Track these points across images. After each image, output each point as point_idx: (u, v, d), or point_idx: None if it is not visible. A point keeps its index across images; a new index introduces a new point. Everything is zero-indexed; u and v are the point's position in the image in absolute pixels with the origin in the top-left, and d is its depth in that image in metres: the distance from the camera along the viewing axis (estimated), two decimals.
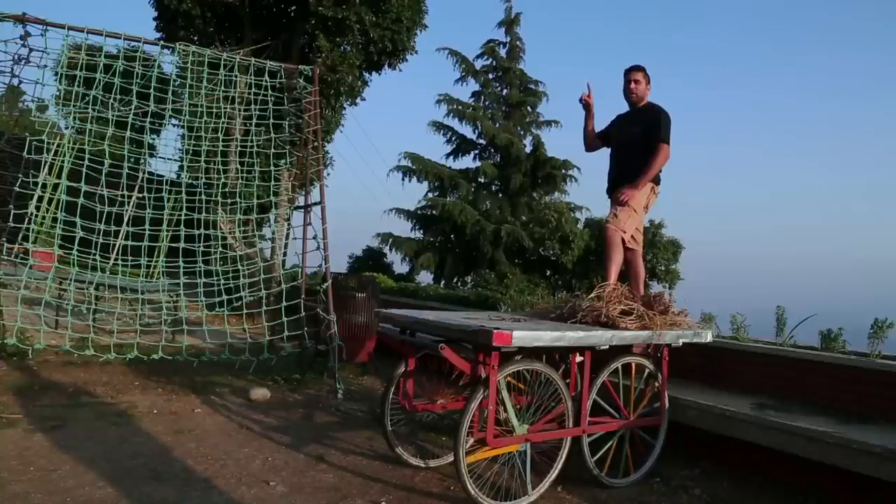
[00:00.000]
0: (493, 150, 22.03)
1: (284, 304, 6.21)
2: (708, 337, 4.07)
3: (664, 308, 3.88)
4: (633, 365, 3.87)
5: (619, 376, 3.85)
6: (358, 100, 13.14)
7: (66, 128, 7.20)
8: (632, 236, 4.35)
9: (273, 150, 7.28)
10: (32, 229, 6.08)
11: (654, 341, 3.72)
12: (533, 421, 3.39)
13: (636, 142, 4.35)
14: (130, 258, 6.66)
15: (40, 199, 6.11)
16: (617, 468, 3.80)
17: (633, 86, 4.34)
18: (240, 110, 7.17)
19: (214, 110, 6.88)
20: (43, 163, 6.00)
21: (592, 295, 3.92)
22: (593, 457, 3.64)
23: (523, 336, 3.01)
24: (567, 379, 3.63)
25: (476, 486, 3.13)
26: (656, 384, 3.98)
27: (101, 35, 6.01)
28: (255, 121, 7.17)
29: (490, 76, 22.85)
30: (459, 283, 19.63)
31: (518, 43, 22.78)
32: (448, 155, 22.39)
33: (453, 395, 3.98)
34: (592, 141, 4.75)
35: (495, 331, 2.88)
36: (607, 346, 3.52)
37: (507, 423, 3.28)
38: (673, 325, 3.83)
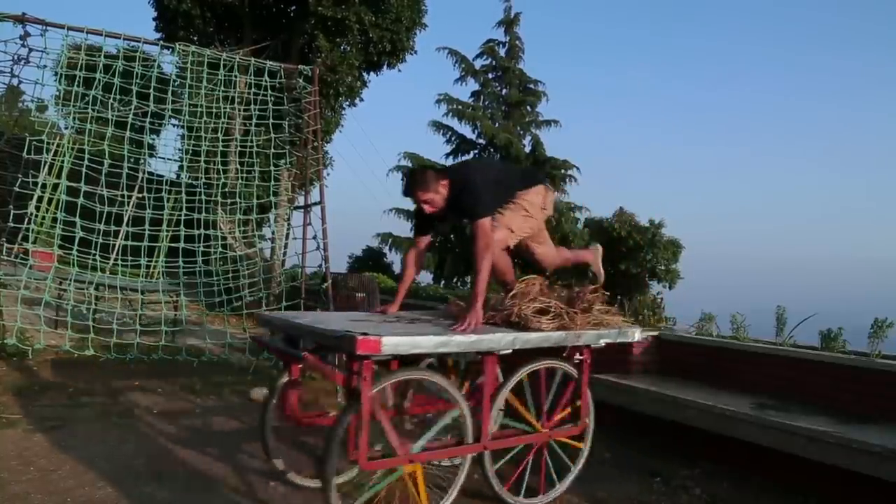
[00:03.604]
0: (492, 150, 22.02)
1: (284, 304, 6.22)
2: (636, 336, 3.65)
3: (587, 306, 3.46)
4: (550, 369, 3.47)
5: (540, 382, 3.44)
6: (357, 100, 13.15)
7: (66, 128, 7.20)
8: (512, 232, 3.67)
9: (273, 150, 7.29)
10: (32, 229, 6.08)
11: (568, 343, 3.30)
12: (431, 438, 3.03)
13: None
14: (130, 258, 6.66)
15: (40, 199, 6.11)
16: (536, 485, 3.45)
17: (427, 207, 3.42)
18: (239, 110, 7.17)
19: (214, 110, 6.89)
20: (43, 163, 6.00)
21: (513, 292, 3.45)
22: (514, 474, 3.31)
23: (397, 342, 2.62)
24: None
25: None
26: (577, 390, 3.56)
27: (101, 35, 6.01)
28: (254, 121, 7.17)
29: (489, 76, 22.85)
30: (459, 283, 19.64)
31: (517, 43, 22.78)
32: (448, 155, 22.38)
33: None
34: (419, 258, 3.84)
35: (359, 337, 2.51)
36: (510, 351, 3.07)
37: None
38: (597, 325, 3.41)
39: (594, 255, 4.35)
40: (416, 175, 3.50)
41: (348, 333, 2.58)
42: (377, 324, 3.11)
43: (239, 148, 7.70)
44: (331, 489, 2.63)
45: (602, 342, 3.46)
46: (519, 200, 3.63)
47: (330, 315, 3.86)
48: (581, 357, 3.56)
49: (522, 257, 4.07)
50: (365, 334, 2.54)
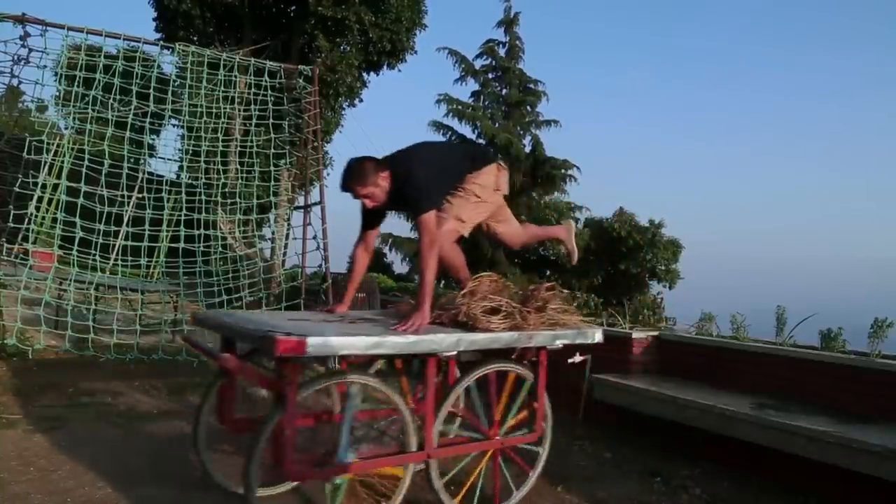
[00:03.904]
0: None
1: (284, 304, 6.21)
2: (596, 337, 3.37)
3: (541, 304, 3.20)
4: (502, 372, 3.26)
5: (492, 386, 3.23)
6: (357, 100, 13.16)
7: (66, 128, 7.21)
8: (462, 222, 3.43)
9: (273, 151, 7.29)
10: (32, 229, 6.08)
11: (520, 344, 3.07)
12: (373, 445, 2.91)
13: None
14: (130, 258, 6.66)
15: (40, 199, 6.11)
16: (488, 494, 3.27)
17: (367, 202, 3.19)
18: (239, 110, 7.18)
19: (214, 110, 6.89)
20: (43, 163, 6.00)
21: (465, 290, 3.20)
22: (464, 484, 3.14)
23: (323, 343, 2.44)
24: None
25: None
26: (533, 394, 3.34)
27: (101, 35, 6.01)
28: (254, 121, 7.17)
29: (489, 76, 22.84)
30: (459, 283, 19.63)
31: (517, 43, 22.78)
32: None
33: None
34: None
35: (280, 338, 2.33)
36: (454, 353, 2.89)
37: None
38: (554, 325, 3.19)
39: (567, 232, 4.09)
40: (352, 168, 3.17)
41: (269, 333, 2.40)
42: (315, 323, 2.94)
43: (239, 148, 7.70)
44: (252, 499, 2.50)
45: (558, 343, 3.22)
46: (469, 185, 3.37)
47: (271, 314, 3.66)
48: (537, 359, 3.32)
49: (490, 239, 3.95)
50: (288, 334, 2.37)
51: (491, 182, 3.45)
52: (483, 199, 3.41)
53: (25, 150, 5.77)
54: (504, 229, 3.75)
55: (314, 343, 2.39)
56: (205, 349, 3.17)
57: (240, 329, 2.78)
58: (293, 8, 12.19)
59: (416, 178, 3.13)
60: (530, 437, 3.33)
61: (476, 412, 3.23)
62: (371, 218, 3.46)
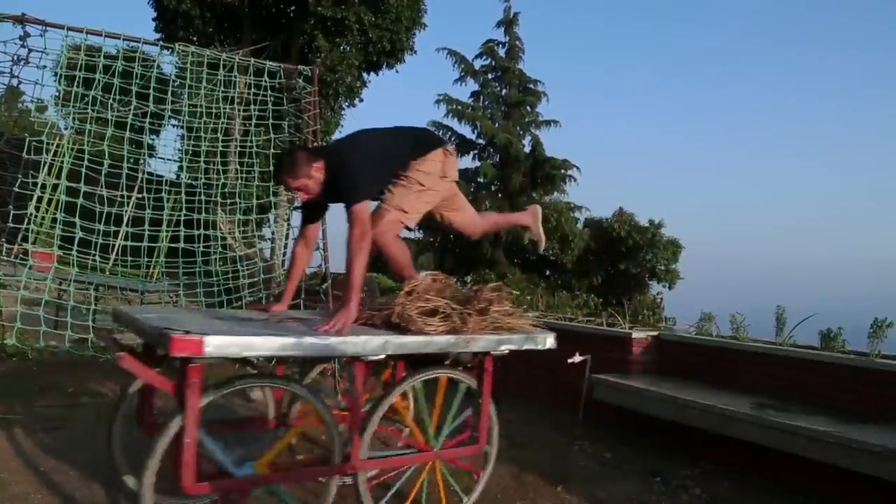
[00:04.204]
0: (492, 151, 22.06)
1: None
2: (548, 343, 3.07)
3: (484, 306, 2.92)
4: (443, 379, 3.07)
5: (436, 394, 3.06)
6: (357, 101, 13.15)
7: (66, 128, 7.20)
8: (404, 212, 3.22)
9: (273, 151, 7.28)
10: (32, 230, 6.08)
11: (457, 349, 2.81)
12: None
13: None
14: (130, 258, 6.66)
15: (40, 199, 6.11)
16: None
17: (301, 195, 3.05)
18: (239, 110, 7.17)
19: (214, 110, 6.88)
20: (42, 163, 6.00)
21: (406, 289, 2.98)
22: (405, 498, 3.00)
23: (224, 343, 2.25)
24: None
25: None
26: (477, 403, 3.09)
27: (101, 35, 6.00)
28: (254, 121, 7.17)
29: (489, 76, 22.89)
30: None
31: (517, 43, 22.81)
32: None
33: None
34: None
35: (175, 336, 2.15)
36: (381, 357, 2.65)
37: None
38: (498, 328, 2.92)
39: (533, 218, 3.80)
40: (283, 159, 3.03)
41: (165, 331, 2.21)
42: (235, 322, 2.74)
43: (239, 148, 7.70)
44: None
45: (504, 349, 2.93)
46: (412, 173, 3.15)
47: (191, 312, 3.41)
48: (475, 365, 3.06)
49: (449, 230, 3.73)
50: (188, 332, 2.19)
51: (436, 169, 3.22)
52: (428, 187, 3.18)
53: (25, 150, 5.76)
54: (459, 218, 3.54)
55: (214, 343, 2.21)
56: (111, 345, 2.92)
57: (143, 326, 2.60)
58: (293, 8, 12.19)
59: (349, 168, 2.94)
60: (473, 448, 3.08)
61: (421, 421, 3.00)
62: (310, 212, 3.29)
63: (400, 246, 3.24)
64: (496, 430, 3.19)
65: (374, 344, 2.57)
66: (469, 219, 3.59)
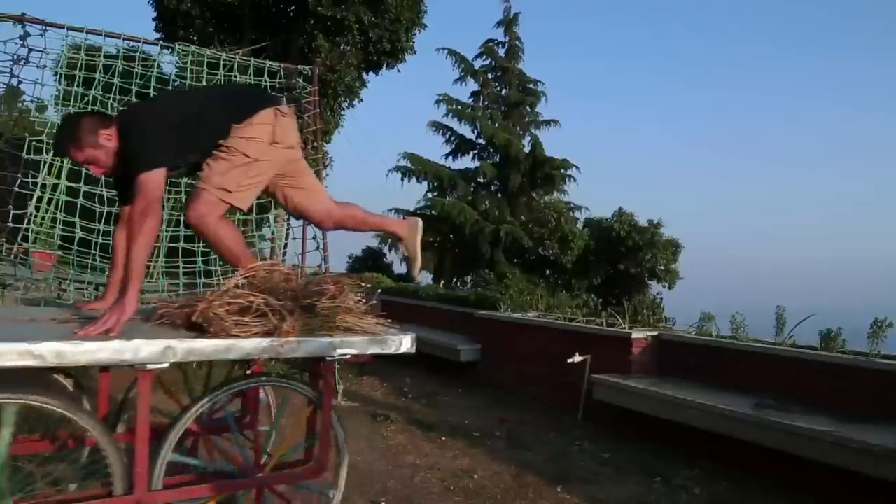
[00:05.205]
0: (492, 150, 22.08)
1: None
2: (403, 346, 2.44)
3: (309, 303, 2.32)
4: (265, 390, 2.69)
5: (252, 407, 2.67)
6: (357, 101, 13.16)
7: None
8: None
9: None
10: (32, 229, 6.08)
11: (269, 354, 2.21)
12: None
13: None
14: None
15: (40, 199, 6.11)
16: None
17: (94, 169, 2.52)
18: None
19: None
20: (42, 163, 6.00)
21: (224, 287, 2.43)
22: None
23: None
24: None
25: None
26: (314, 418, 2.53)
27: (101, 35, 6.01)
28: None
29: (489, 76, 22.92)
30: (459, 283, 19.65)
31: (517, 42, 22.84)
32: (447, 155, 22.45)
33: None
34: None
35: None
36: (165, 365, 2.10)
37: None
38: (331, 330, 2.33)
39: (409, 230, 3.13)
40: (63, 127, 2.49)
41: None
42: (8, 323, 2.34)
43: None
44: None
45: (338, 353, 2.31)
46: (233, 142, 2.51)
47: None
48: (319, 373, 2.49)
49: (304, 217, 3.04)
50: None
51: (265, 134, 2.58)
52: (255, 157, 2.53)
53: (25, 150, 5.77)
54: (303, 200, 2.83)
55: None
56: None
57: None
58: (292, 8, 12.20)
59: (135, 130, 2.37)
60: (311, 473, 2.48)
61: (238, 440, 2.54)
62: (124, 190, 2.66)
63: (227, 231, 2.60)
64: (345, 454, 2.60)
65: (150, 350, 1.98)
66: (318, 203, 2.89)
